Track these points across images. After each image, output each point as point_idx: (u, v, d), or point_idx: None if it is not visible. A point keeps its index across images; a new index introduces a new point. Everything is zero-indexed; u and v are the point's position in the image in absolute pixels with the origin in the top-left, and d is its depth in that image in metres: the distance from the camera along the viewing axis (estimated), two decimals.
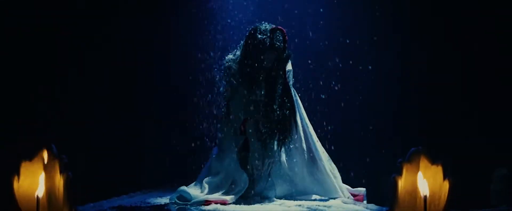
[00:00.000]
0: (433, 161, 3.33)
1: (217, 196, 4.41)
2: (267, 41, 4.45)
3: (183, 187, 4.52)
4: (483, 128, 5.14)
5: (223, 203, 4.34)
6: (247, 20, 5.19)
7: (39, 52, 5.24)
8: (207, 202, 4.33)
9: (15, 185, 3.29)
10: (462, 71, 5.28)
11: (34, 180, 3.27)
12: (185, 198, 4.45)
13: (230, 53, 4.67)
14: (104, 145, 5.28)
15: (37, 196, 3.20)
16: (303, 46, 5.36)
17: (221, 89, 4.66)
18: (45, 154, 3.32)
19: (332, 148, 4.88)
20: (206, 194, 4.43)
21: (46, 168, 3.30)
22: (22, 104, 5.17)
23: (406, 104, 5.39)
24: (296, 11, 5.48)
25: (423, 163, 3.32)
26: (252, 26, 4.57)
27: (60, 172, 3.31)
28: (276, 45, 4.46)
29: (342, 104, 5.45)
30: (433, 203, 3.29)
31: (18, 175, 3.30)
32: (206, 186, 4.51)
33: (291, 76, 4.67)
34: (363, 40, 5.46)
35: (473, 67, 5.26)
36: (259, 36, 4.47)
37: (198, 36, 5.46)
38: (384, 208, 3.39)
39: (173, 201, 4.46)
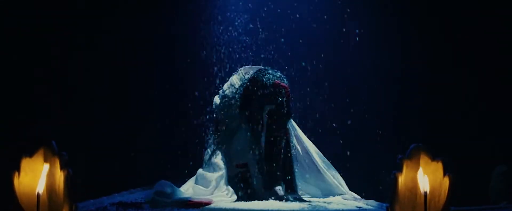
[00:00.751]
0: (433, 157, 3.33)
1: (202, 197, 4.28)
2: (267, 97, 4.37)
3: (165, 181, 4.37)
4: (483, 128, 5.15)
5: (208, 203, 4.16)
6: (248, 19, 5.22)
7: (39, 52, 5.25)
8: (190, 203, 4.15)
9: (16, 181, 3.28)
10: (462, 71, 5.29)
11: (35, 176, 3.26)
12: (165, 194, 4.26)
13: (229, 87, 4.56)
14: (104, 145, 5.28)
15: (38, 193, 3.19)
16: (304, 46, 5.37)
17: (215, 114, 4.62)
18: (45, 151, 3.32)
19: (333, 147, 4.89)
20: (192, 195, 4.34)
21: (47, 165, 3.30)
22: (22, 104, 5.17)
23: (406, 103, 5.39)
24: (297, 13, 5.49)
25: (423, 159, 3.32)
26: (254, 75, 4.46)
27: (61, 169, 3.30)
28: (278, 101, 4.36)
29: (343, 104, 5.45)
30: (433, 199, 3.28)
31: (19, 171, 3.30)
32: (192, 191, 4.43)
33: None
34: (364, 40, 5.47)
35: (473, 67, 5.27)
36: (260, 91, 4.38)
37: (198, 36, 5.47)
38: (385, 204, 3.38)
39: (150, 199, 4.23)
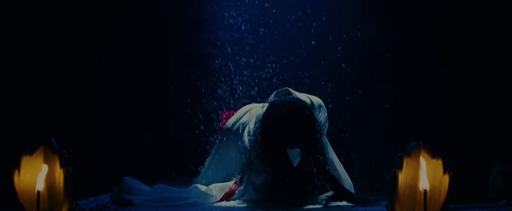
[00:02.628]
0: (433, 155, 3.33)
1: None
2: (282, 137, 4.13)
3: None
4: (483, 125, 5.15)
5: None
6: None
7: (39, 51, 5.26)
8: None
9: (16, 179, 3.29)
10: (462, 69, 5.30)
11: (35, 174, 3.27)
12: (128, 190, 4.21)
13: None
14: (105, 143, 5.29)
15: (38, 190, 3.20)
16: (304, 44, 5.38)
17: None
18: (45, 149, 3.33)
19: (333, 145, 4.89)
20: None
21: (47, 162, 3.31)
22: (22, 103, 5.18)
23: (406, 102, 5.40)
24: (298, 11, 5.50)
25: (424, 157, 3.32)
26: (263, 114, 4.28)
27: (61, 167, 3.31)
28: (294, 135, 4.11)
29: (343, 103, 5.46)
30: (433, 197, 3.29)
31: (19, 169, 3.31)
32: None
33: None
34: (362, 38, 5.47)
35: (473, 66, 5.28)
36: (271, 131, 4.16)
37: (199, 35, 5.48)
38: (384, 202, 3.39)
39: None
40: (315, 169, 4.25)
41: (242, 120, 4.53)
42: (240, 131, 4.47)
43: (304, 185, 4.25)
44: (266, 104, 4.38)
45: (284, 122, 4.13)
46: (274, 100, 4.31)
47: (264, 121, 4.24)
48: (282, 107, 4.18)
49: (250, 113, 4.56)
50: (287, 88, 4.47)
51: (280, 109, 4.18)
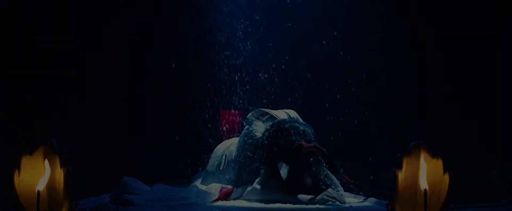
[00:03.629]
0: (434, 155, 3.33)
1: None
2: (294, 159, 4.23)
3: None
4: (483, 124, 5.15)
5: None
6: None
7: (39, 50, 5.26)
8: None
9: (16, 179, 3.29)
10: (462, 69, 5.30)
11: (35, 174, 3.27)
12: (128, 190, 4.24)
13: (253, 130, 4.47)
14: (105, 142, 5.29)
15: (38, 190, 3.20)
16: (304, 44, 5.38)
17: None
18: (45, 149, 3.33)
19: (333, 144, 4.89)
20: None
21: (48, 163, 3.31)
22: (23, 102, 5.18)
23: (406, 101, 5.40)
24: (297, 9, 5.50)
25: (424, 157, 3.32)
26: (274, 135, 4.33)
27: (61, 166, 3.31)
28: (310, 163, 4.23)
29: (344, 102, 5.46)
30: (433, 197, 3.28)
31: (19, 169, 3.30)
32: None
33: None
34: (361, 37, 5.48)
35: (473, 65, 5.28)
36: (285, 154, 4.26)
37: (200, 36, 5.48)
38: (384, 202, 3.39)
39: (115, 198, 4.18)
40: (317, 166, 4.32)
41: (223, 167, 4.61)
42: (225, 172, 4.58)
43: (302, 182, 4.31)
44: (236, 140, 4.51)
45: (297, 146, 4.21)
46: (280, 123, 4.34)
47: (272, 146, 4.29)
48: (293, 136, 4.25)
49: (226, 157, 4.63)
50: (261, 109, 4.56)
51: (289, 134, 4.25)
